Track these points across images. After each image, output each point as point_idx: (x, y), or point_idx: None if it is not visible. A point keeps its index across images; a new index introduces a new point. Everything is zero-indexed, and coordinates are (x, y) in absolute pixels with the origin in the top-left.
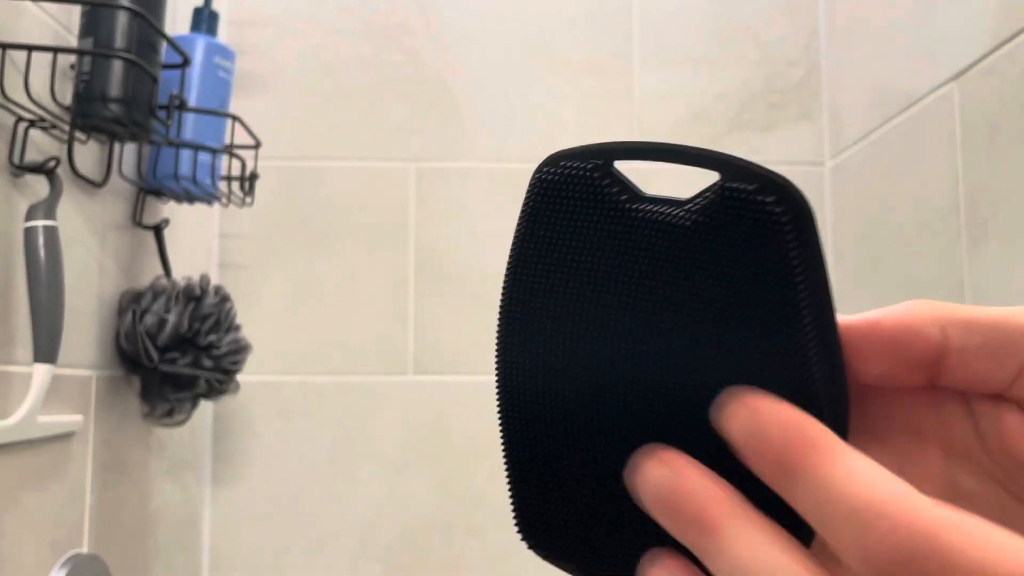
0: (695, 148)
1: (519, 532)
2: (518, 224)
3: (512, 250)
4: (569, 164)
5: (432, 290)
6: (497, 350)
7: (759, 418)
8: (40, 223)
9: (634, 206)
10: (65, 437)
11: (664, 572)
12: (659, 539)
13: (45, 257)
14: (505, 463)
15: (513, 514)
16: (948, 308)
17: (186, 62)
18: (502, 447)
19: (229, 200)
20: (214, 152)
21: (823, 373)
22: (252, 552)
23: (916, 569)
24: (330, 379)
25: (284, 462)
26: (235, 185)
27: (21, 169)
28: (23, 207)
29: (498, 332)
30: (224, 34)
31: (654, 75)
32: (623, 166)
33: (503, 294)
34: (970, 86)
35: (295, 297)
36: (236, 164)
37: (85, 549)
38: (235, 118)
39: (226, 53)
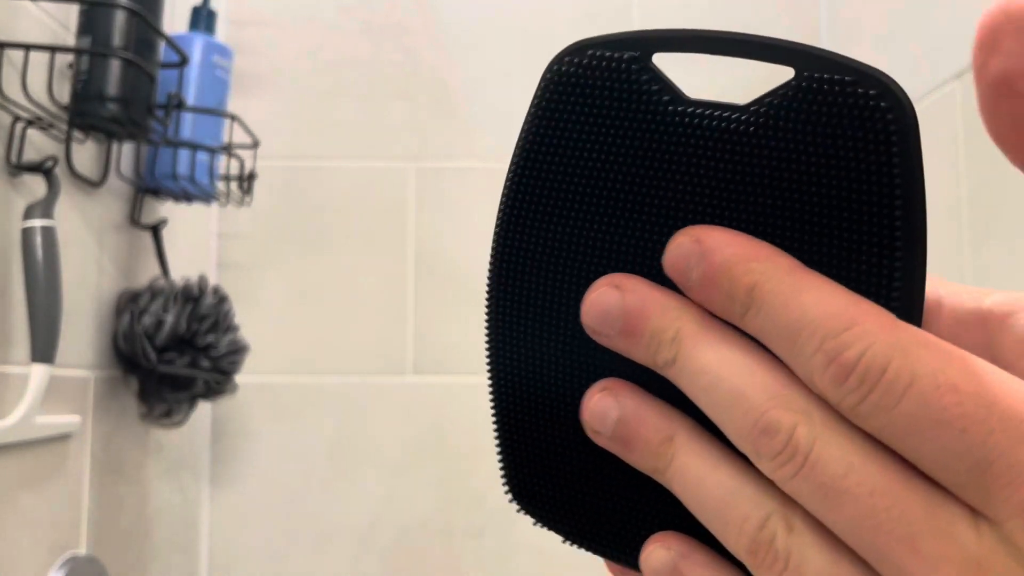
0: (762, 36)
1: (509, 493)
2: (524, 126)
3: (514, 161)
4: (599, 54)
5: (432, 290)
6: (489, 289)
7: (705, 245)
8: (38, 223)
9: (681, 109)
10: (63, 438)
11: (665, 551)
12: (649, 502)
13: (43, 257)
14: (494, 422)
15: (502, 475)
16: None
17: (184, 61)
18: (491, 404)
19: (227, 200)
20: (212, 151)
21: (906, 293)
22: (251, 553)
23: (888, 380)
24: (329, 379)
25: (283, 463)
26: (233, 185)
27: (19, 169)
28: (21, 207)
29: (491, 263)
30: (222, 33)
31: None
32: (664, 63)
33: (500, 214)
34: (971, 86)
35: (294, 297)
36: (234, 164)
37: (83, 550)
38: (233, 117)
39: (224, 52)
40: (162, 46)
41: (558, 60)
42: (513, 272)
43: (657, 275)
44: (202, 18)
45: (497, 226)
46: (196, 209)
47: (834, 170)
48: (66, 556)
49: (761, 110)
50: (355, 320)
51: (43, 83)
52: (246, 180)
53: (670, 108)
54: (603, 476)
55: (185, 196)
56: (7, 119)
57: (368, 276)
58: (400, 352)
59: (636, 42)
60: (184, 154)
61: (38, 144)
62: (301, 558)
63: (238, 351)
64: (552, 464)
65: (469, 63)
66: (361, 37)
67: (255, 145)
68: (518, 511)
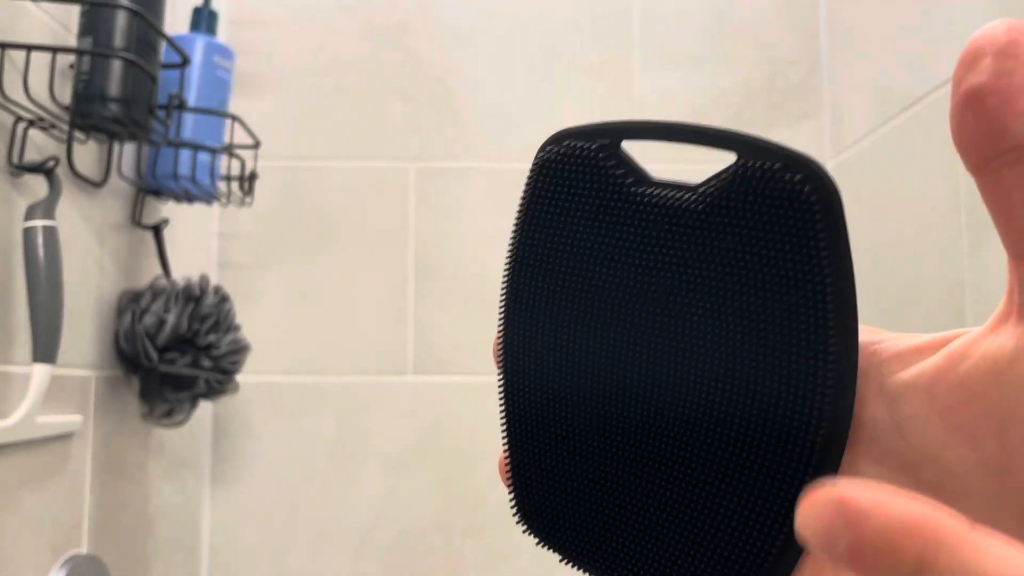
0: (710, 127)
1: (516, 514)
2: (520, 204)
3: (514, 231)
4: (574, 144)
5: (432, 290)
6: (500, 333)
7: (851, 512)
8: (39, 223)
9: (641, 190)
10: (64, 437)
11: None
12: (654, 531)
13: (44, 257)
14: (506, 446)
15: (511, 497)
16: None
17: (185, 62)
18: (503, 429)
19: (228, 200)
20: (213, 152)
21: (836, 370)
22: (252, 552)
23: None
24: (330, 379)
25: (284, 462)
26: (234, 185)
27: (20, 169)
28: (22, 207)
29: (501, 315)
30: (223, 34)
31: (654, 75)
32: (632, 147)
33: (505, 278)
34: None
35: (294, 297)
36: (235, 164)
37: (84, 550)
38: (234, 118)
39: (225, 53)
40: (163, 47)
41: (542, 149)
42: (520, 316)
43: (629, 328)
44: (203, 19)
45: (503, 290)
46: (197, 209)
47: (770, 244)
48: (67, 555)
49: (709, 191)
50: (355, 320)
51: (44, 84)
52: (247, 180)
53: (633, 189)
54: (608, 501)
55: (186, 196)
56: (9, 119)
57: (368, 276)
58: (400, 352)
59: (606, 132)
60: (185, 154)
61: (39, 144)
62: (301, 557)
63: (239, 351)
64: (560, 493)
65: (469, 63)
66: (362, 38)
67: (256, 145)
68: (524, 531)
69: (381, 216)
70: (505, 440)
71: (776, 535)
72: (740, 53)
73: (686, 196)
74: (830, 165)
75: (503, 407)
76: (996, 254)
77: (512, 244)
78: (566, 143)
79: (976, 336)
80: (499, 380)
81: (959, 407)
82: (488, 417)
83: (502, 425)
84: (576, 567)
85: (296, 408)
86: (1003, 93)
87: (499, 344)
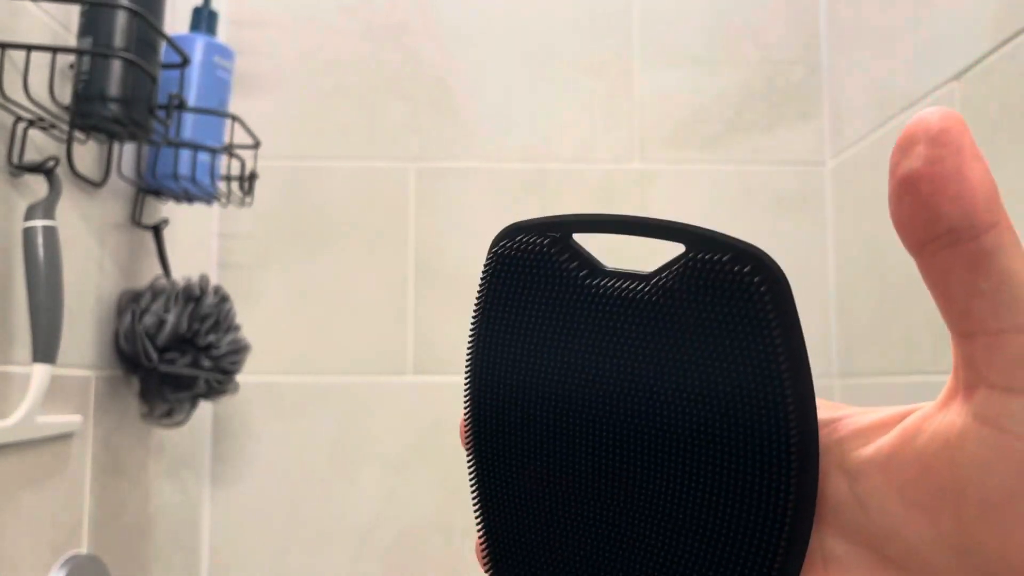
0: (656, 220)
1: (490, 570)
2: (478, 294)
3: (473, 323)
4: (525, 239)
5: (432, 290)
6: (467, 418)
7: None
8: (39, 223)
9: (593, 282)
10: (64, 437)
11: None
12: (633, 571)
13: (44, 257)
14: (481, 530)
15: (484, 553)
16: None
17: (185, 62)
18: (476, 513)
19: (228, 200)
20: (213, 152)
21: (797, 444)
22: (252, 552)
23: None
24: (330, 379)
25: (284, 462)
26: (234, 185)
27: (20, 169)
28: (22, 207)
29: (466, 403)
30: (223, 34)
31: (654, 75)
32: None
33: (467, 369)
34: (970, 86)
35: (294, 297)
36: (236, 164)
37: (84, 550)
38: (234, 118)
39: (225, 53)
40: (163, 47)
41: (495, 243)
42: (484, 402)
43: (590, 417)
44: (203, 19)
45: (466, 371)
46: (197, 209)
47: (724, 332)
48: (67, 555)
49: (660, 282)
50: (355, 320)
51: (44, 84)
52: (247, 180)
53: (585, 281)
54: (581, 553)
55: (186, 196)
56: (8, 119)
57: (368, 276)
58: (400, 352)
59: (558, 225)
60: (185, 154)
61: (39, 144)
62: (301, 557)
63: (239, 351)
64: (534, 549)
65: (469, 63)
66: (362, 38)
67: (256, 145)
68: None
69: (381, 216)
70: (480, 523)
71: None
72: (740, 53)
73: (638, 287)
74: (830, 165)
75: (476, 491)
76: None
77: (471, 339)
78: (518, 238)
79: (929, 411)
80: (469, 464)
81: (915, 483)
82: None
83: (475, 510)
84: None
85: (296, 408)
86: (935, 180)
87: (466, 429)
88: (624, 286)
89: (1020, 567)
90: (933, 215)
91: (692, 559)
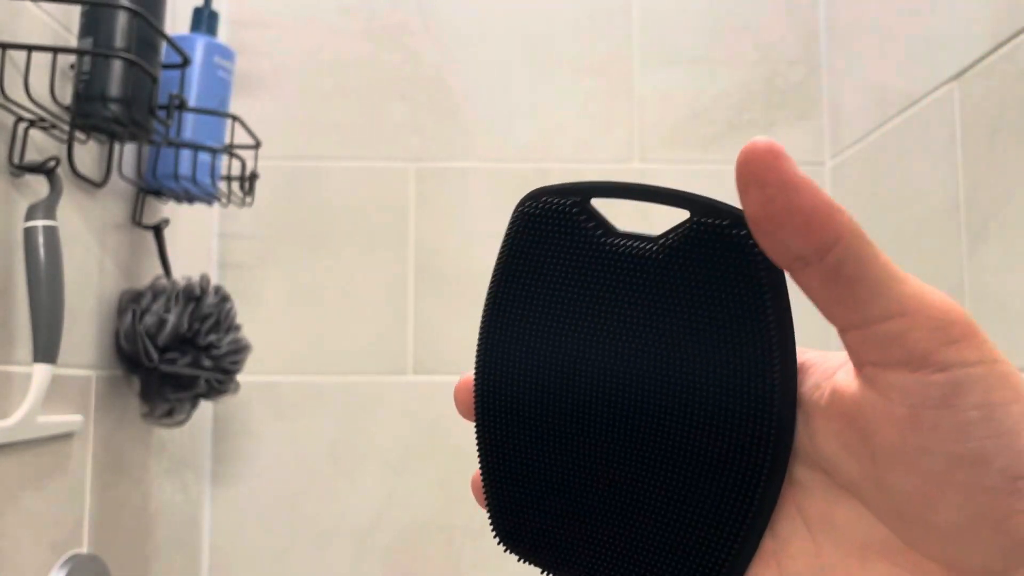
0: (666, 188)
1: (494, 533)
2: (501, 251)
3: (494, 275)
4: (550, 200)
5: (432, 290)
6: (477, 363)
7: None
8: (40, 223)
9: (608, 240)
10: (65, 437)
11: None
12: (634, 537)
13: (45, 257)
14: (481, 468)
15: (489, 517)
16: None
17: (186, 62)
18: (479, 452)
19: (229, 200)
20: (214, 152)
21: (780, 385)
22: (252, 552)
23: None
24: (330, 379)
25: (284, 462)
26: (235, 185)
27: (21, 169)
28: (23, 207)
29: (478, 347)
30: (224, 34)
31: (654, 75)
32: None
33: (485, 310)
34: (970, 86)
35: (295, 297)
36: (236, 164)
37: (85, 549)
38: (235, 118)
39: (226, 53)
40: (164, 47)
41: (521, 203)
42: (496, 352)
43: (598, 356)
44: (204, 19)
45: (483, 321)
46: (198, 209)
47: (721, 286)
48: (68, 555)
49: (668, 243)
50: (355, 320)
51: (45, 84)
52: (247, 180)
53: (601, 240)
54: (584, 512)
55: (187, 196)
56: (9, 119)
57: (368, 276)
58: (400, 352)
59: (578, 190)
60: (186, 154)
61: (40, 144)
62: (301, 557)
63: (240, 350)
64: (536, 506)
65: (469, 63)
66: (362, 38)
67: (256, 145)
68: (504, 551)
69: (381, 216)
70: (481, 461)
71: (741, 525)
72: (740, 53)
73: (647, 247)
74: (829, 165)
75: (478, 428)
76: (995, 254)
77: (492, 284)
78: (543, 199)
79: (848, 376)
80: (475, 402)
81: (842, 431)
82: None
83: (477, 448)
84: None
85: (296, 408)
86: (772, 220)
87: (476, 365)
88: (635, 245)
89: (918, 504)
90: (780, 247)
91: (686, 488)
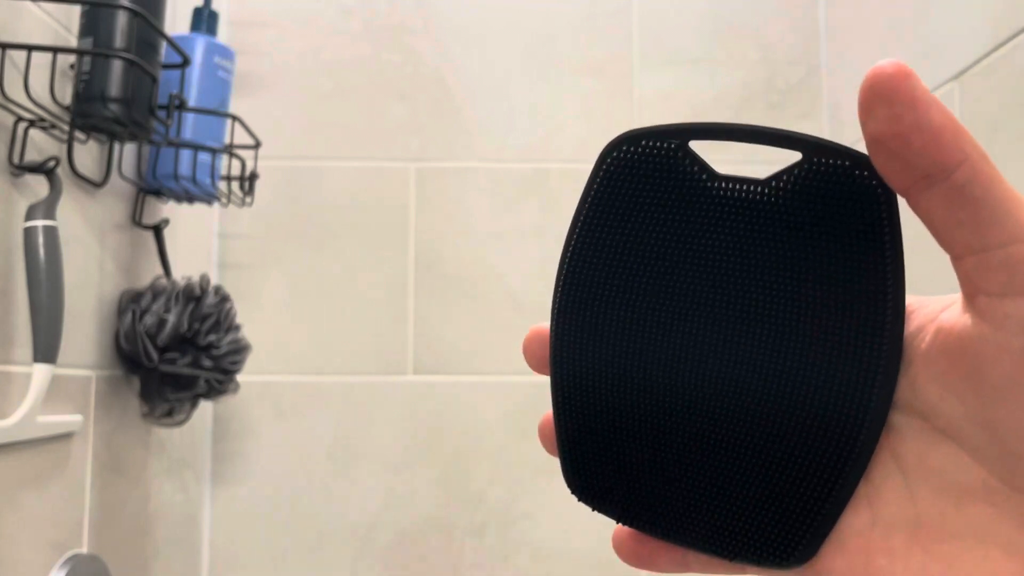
0: (776, 129)
1: (569, 485)
2: (584, 199)
3: (576, 223)
4: (650, 143)
5: (432, 290)
6: (555, 313)
7: None
8: (40, 223)
9: (715, 184)
10: (65, 437)
11: None
12: (720, 491)
13: (45, 257)
14: (556, 420)
15: (562, 467)
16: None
17: (186, 62)
18: (553, 402)
19: (229, 200)
20: (214, 152)
21: (889, 336)
22: (252, 552)
23: None
24: (330, 379)
25: (284, 462)
26: (235, 185)
27: (21, 169)
28: (23, 207)
29: (556, 299)
30: (224, 34)
31: (654, 75)
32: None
33: (564, 261)
34: (970, 86)
35: (295, 297)
36: (236, 164)
37: (85, 549)
38: (235, 118)
39: (226, 53)
40: (164, 47)
41: (615, 148)
42: (580, 293)
43: (695, 310)
44: (204, 19)
45: (563, 263)
46: (197, 209)
47: (840, 234)
48: (68, 555)
49: (780, 184)
50: (355, 320)
51: (45, 84)
52: (247, 180)
53: (707, 184)
54: (665, 466)
55: (187, 196)
56: (9, 119)
57: (368, 276)
58: (400, 352)
59: (678, 132)
60: (186, 154)
61: (40, 144)
62: (301, 556)
63: (240, 350)
64: (611, 459)
65: (469, 63)
66: (362, 38)
67: (256, 145)
68: (579, 501)
69: (381, 216)
70: (556, 412)
71: (838, 474)
72: (740, 53)
73: (759, 190)
74: None
75: (554, 381)
76: None
77: (575, 233)
78: (642, 143)
79: (956, 313)
80: (552, 353)
81: (945, 373)
82: (488, 417)
83: (552, 399)
84: (632, 527)
85: (296, 408)
86: (899, 137)
87: (553, 314)
88: (745, 189)
89: None
90: (906, 166)
91: (777, 450)
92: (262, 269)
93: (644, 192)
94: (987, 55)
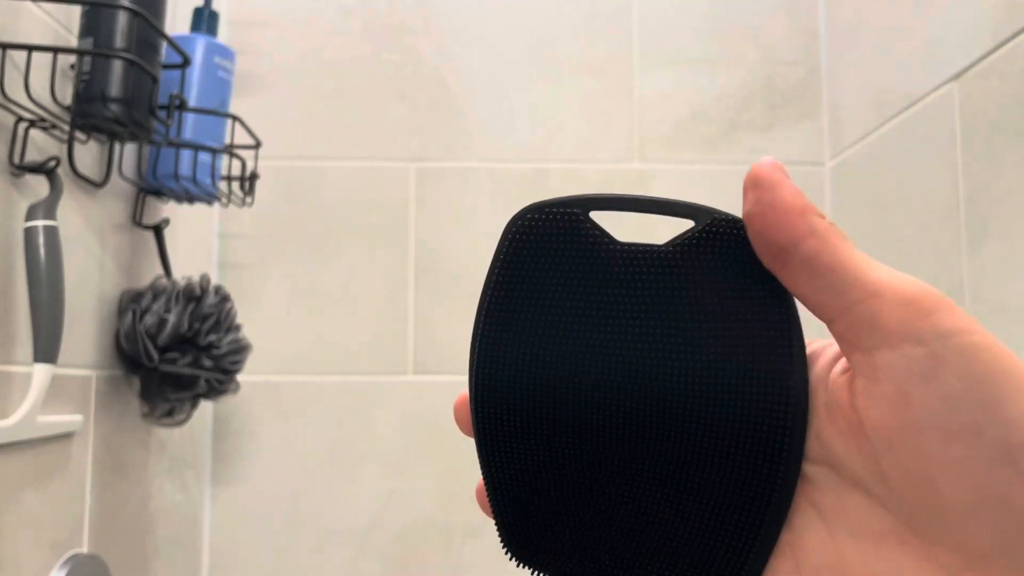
0: (668, 199)
1: (505, 548)
2: (495, 262)
3: (488, 285)
4: (554, 210)
5: (432, 290)
6: (472, 375)
7: None
8: (40, 223)
9: (616, 246)
10: (65, 437)
11: None
12: (650, 538)
13: (45, 257)
14: (487, 483)
15: (498, 530)
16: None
17: (186, 62)
18: (481, 465)
19: (229, 200)
20: (214, 152)
21: (795, 379)
22: (252, 552)
23: None
24: (330, 379)
25: (284, 462)
26: (235, 185)
27: (21, 169)
28: (23, 207)
29: (472, 360)
30: (224, 34)
31: (654, 75)
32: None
33: (478, 321)
34: (970, 86)
35: (295, 297)
36: (236, 164)
37: (85, 549)
38: (235, 118)
39: (226, 53)
40: (164, 47)
41: (522, 216)
42: (493, 364)
43: (608, 354)
44: (204, 19)
45: (478, 324)
46: (198, 209)
47: (732, 285)
48: (68, 554)
49: (678, 243)
50: (355, 320)
51: (45, 84)
52: (247, 180)
53: (609, 246)
54: (595, 516)
55: (187, 196)
56: (10, 119)
57: (368, 276)
58: (400, 352)
59: (579, 202)
60: (186, 155)
61: (40, 144)
62: (301, 556)
63: (240, 350)
64: (545, 516)
65: (469, 63)
66: (362, 38)
67: (257, 146)
68: (517, 566)
69: (381, 216)
70: (484, 474)
71: (760, 520)
72: (740, 53)
73: (659, 249)
74: (829, 165)
75: (478, 439)
76: (995, 254)
77: (486, 294)
78: (547, 209)
79: (839, 370)
80: (473, 413)
81: (842, 424)
82: None
83: (480, 461)
84: None
85: (296, 408)
86: (760, 216)
87: (471, 377)
88: (644, 249)
89: (919, 488)
90: (767, 241)
91: (704, 480)
92: (262, 269)
93: (550, 252)
94: (987, 55)
